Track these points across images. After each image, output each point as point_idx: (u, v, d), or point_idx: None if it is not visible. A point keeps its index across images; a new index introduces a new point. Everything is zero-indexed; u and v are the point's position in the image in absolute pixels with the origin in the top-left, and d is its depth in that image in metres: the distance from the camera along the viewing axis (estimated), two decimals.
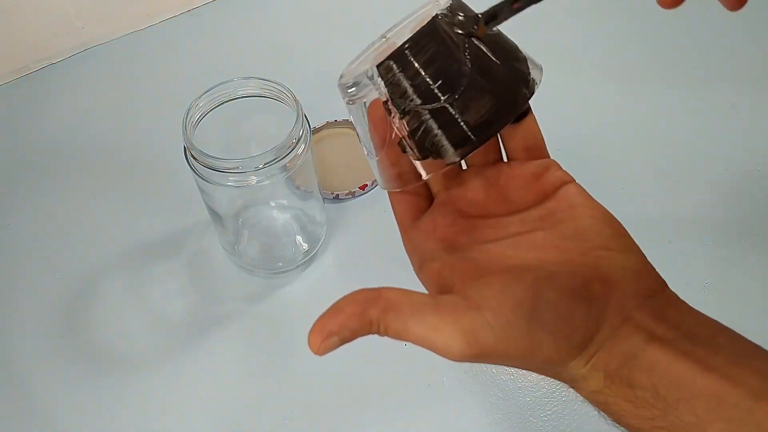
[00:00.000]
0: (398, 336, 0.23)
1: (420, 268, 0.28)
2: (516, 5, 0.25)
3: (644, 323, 0.24)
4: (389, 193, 0.30)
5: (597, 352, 0.24)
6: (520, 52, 0.27)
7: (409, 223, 0.29)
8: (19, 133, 0.64)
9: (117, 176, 0.60)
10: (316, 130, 0.61)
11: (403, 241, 0.30)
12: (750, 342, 0.24)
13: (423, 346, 0.23)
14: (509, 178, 0.28)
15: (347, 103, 0.29)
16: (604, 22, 0.72)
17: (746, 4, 0.24)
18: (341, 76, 0.29)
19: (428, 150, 0.25)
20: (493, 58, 0.26)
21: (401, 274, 0.52)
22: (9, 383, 0.48)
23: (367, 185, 0.57)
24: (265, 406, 0.47)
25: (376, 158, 0.29)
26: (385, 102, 0.26)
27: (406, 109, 0.25)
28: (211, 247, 0.54)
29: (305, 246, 0.53)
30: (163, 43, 0.71)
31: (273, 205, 0.55)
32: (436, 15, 0.26)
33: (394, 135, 0.26)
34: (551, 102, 0.64)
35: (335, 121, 0.61)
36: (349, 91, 0.28)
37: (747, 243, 0.53)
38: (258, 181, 0.43)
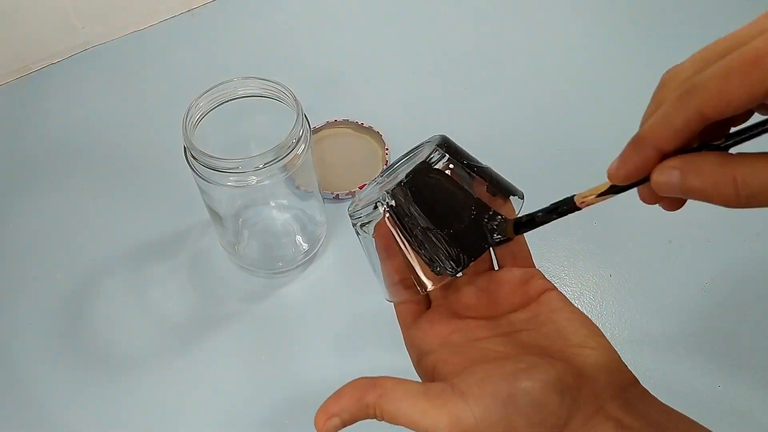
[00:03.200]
0: (391, 419, 0.26)
1: (418, 362, 0.32)
2: (551, 215, 0.29)
3: (614, 413, 0.26)
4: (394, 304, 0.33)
5: None
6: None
7: (410, 323, 0.33)
8: (19, 133, 0.64)
9: (117, 176, 0.60)
10: (316, 130, 0.61)
11: (404, 338, 0.33)
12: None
13: (413, 429, 0.26)
14: (498, 284, 0.31)
15: (359, 230, 0.34)
16: (606, 23, 0.72)
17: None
18: (352, 203, 0.34)
19: (435, 265, 0.30)
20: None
21: None
22: (9, 383, 0.48)
23: (366, 185, 0.56)
24: (265, 406, 0.47)
25: (382, 271, 0.33)
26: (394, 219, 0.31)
27: (414, 232, 0.30)
28: (211, 247, 0.54)
29: (305, 246, 0.53)
30: (163, 43, 0.71)
31: (273, 205, 0.55)
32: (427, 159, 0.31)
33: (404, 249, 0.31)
34: (551, 102, 0.64)
35: (335, 121, 0.61)
36: (362, 211, 0.33)
37: (747, 243, 0.53)
38: (258, 181, 0.43)
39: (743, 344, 0.48)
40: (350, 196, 0.56)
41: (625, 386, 0.27)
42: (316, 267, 0.53)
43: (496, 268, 0.33)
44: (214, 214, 0.50)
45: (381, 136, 0.60)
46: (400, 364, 0.48)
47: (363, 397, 0.27)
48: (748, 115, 0.23)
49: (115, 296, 0.52)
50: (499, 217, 0.30)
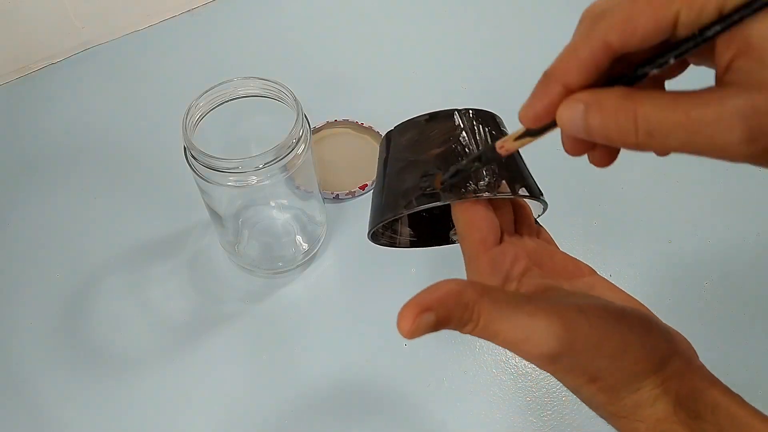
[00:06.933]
0: (489, 326, 0.23)
1: (505, 282, 0.28)
2: (472, 164, 0.28)
3: (703, 370, 0.26)
4: (465, 221, 0.29)
5: (670, 377, 0.25)
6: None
7: (490, 245, 0.28)
8: (19, 133, 0.64)
9: (117, 176, 0.60)
10: (316, 130, 0.61)
11: (480, 262, 0.28)
12: None
13: (513, 340, 0.23)
14: (552, 251, 0.30)
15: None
16: None
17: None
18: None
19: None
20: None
21: (400, 275, 0.52)
22: (9, 383, 0.48)
23: (367, 185, 0.57)
24: (265, 406, 0.47)
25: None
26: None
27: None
28: (211, 247, 0.54)
29: (305, 246, 0.53)
30: (163, 43, 0.71)
31: (273, 205, 0.55)
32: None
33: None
34: None
35: (335, 121, 0.61)
36: None
37: (747, 243, 0.53)
38: (258, 181, 0.43)
39: (744, 344, 0.48)
40: (350, 196, 0.56)
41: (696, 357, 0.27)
42: (316, 267, 0.53)
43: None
44: (214, 214, 0.50)
45: (381, 136, 0.60)
46: (402, 363, 0.48)
47: (462, 293, 0.22)
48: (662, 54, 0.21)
49: (115, 296, 0.52)
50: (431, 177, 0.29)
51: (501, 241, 0.29)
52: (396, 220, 0.35)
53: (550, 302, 0.24)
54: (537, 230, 0.32)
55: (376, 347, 0.49)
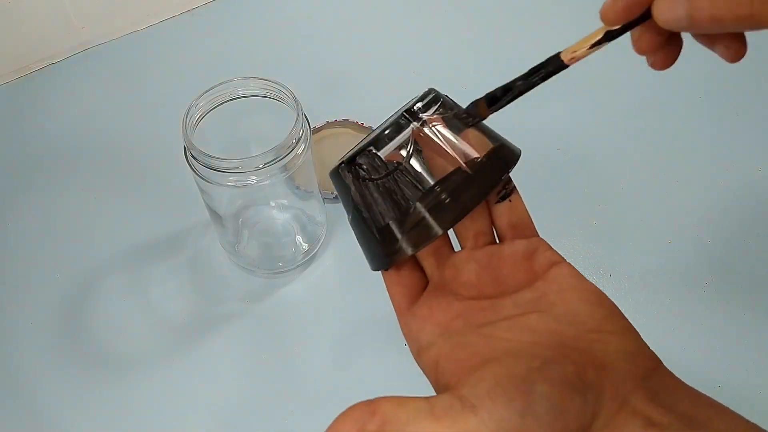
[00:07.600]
0: None
1: (418, 355, 0.29)
2: (532, 80, 0.26)
3: (640, 408, 0.24)
4: (385, 277, 0.31)
5: None
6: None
7: (406, 308, 0.30)
8: (19, 133, 0.64)
9: (117, 176, 0.60)
10: (316, 130, 0.61)
11: (400, 326, 0.30)
12: (746, 421, 0.23)
13: None
14: (500, 259, 0.29)
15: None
16: None
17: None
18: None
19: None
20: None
21: None
22: (9, 383, 0.48)
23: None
24: (265, 406, 0.47)
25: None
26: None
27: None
28: (211, 247, 0.54)
29: (305, 246, 0.53)
30: (163, 43, 0.71)
31: (273, 205, 0.55)
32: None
33: None
34: (552, 102, 0.64)
35: (335, 121, 0.61)
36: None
37: (747, 243, 0.53)
38: (258, 181, 0.44)
39: (744, 344, 0.48)
40: None
41: (648, 373, 0.25)
42: (316, 267, 0.53)
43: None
44: (214, 214, 0.50)
45: None
46: (402, 364, 0.48)
47: (363, 429, 0.24)
48: None
49: (115, 296, 0.52)
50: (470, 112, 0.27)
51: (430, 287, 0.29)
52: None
53: (452, 412, 0.23)
54: (490, 233, 0.30)
55: (376, 347, 0.49)
